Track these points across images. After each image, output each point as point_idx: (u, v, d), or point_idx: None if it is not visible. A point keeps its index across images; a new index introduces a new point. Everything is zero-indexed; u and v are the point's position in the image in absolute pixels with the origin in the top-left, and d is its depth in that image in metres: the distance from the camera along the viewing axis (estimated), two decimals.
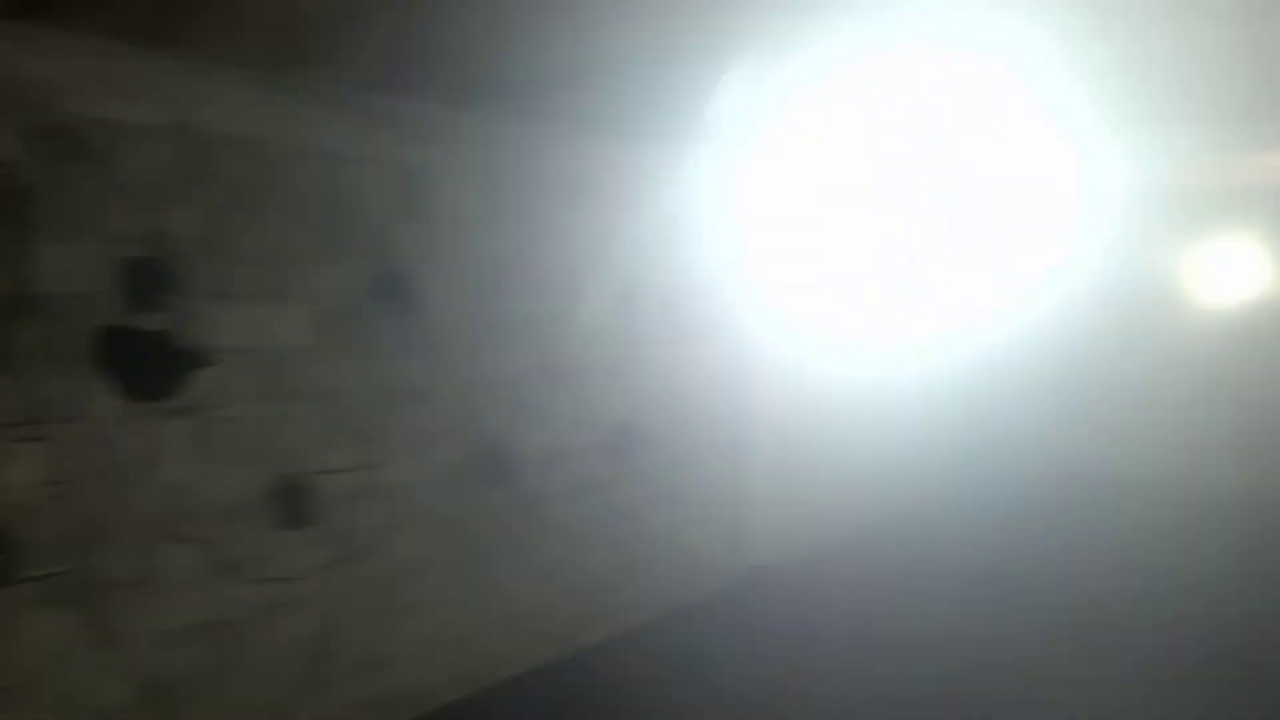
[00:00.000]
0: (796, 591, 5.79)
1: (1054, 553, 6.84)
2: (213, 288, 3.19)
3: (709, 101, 3.55)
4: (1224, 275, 5.31)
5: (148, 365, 3.04)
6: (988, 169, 6.19)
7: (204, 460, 3.20)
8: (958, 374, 8.54)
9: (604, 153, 4.65)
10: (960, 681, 4.53)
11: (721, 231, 5.53)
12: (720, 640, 5.04)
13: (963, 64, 2.96)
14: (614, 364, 4.84)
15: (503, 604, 4.34)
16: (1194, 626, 5.29)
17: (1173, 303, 8.02)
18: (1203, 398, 8.43)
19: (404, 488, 3.88)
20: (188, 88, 3.07)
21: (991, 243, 8.55)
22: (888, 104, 3.29)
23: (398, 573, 3.88)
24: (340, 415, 3.62)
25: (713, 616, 5.34)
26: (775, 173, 5.64)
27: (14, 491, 2.73)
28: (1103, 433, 9.00)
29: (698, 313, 5.37)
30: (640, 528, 5.08)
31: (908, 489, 8.00)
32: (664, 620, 5.21)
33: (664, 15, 2.43)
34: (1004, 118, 4.16)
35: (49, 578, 2.81)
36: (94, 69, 2.83)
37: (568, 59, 2.98)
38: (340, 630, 3.67)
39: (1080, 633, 5.19)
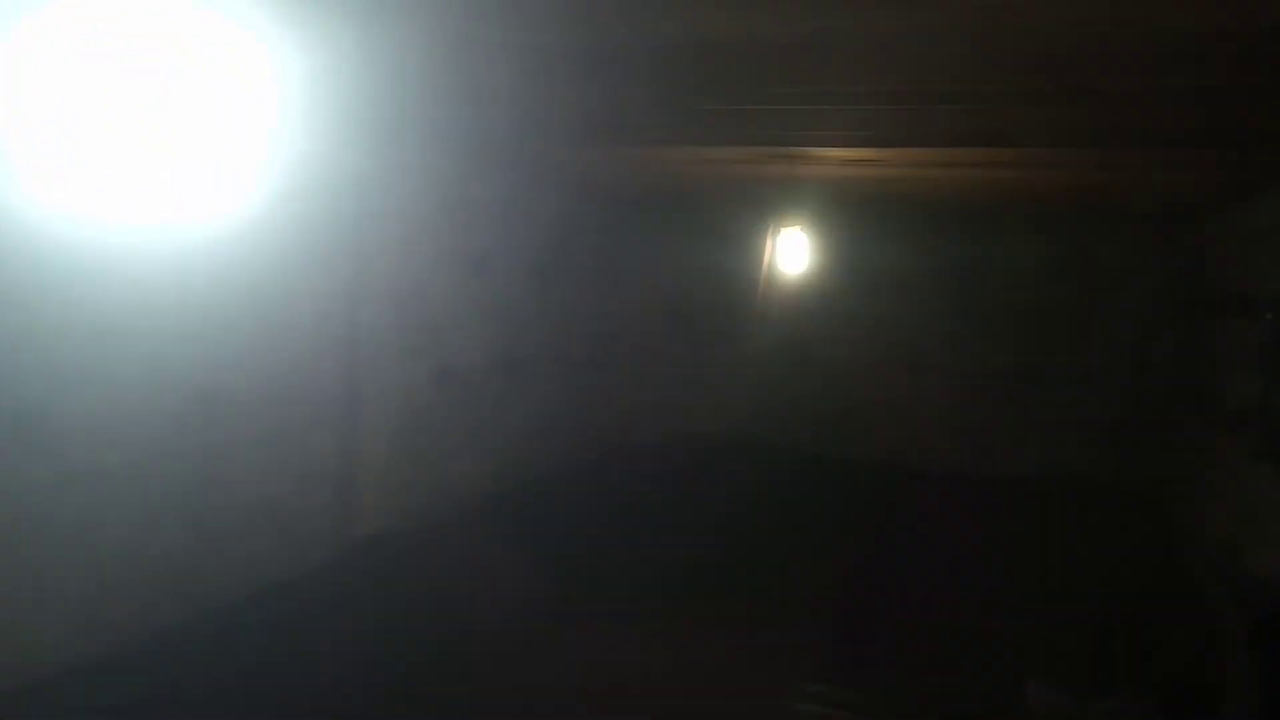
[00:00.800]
0: (402, 562, 5.70)
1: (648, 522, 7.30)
2: None
3: None
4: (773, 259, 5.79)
5: None
6: None
7: None
8: (572, 346, 8.85)
9: None
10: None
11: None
12: (312, 613, 4.84)
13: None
14: (192, 322, 4.43)
15: (49, 592, 3.85)
16: None
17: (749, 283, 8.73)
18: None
19: None
20: None
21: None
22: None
23: None
24: None
25: (309, 590, 5.12)
26: None
27: None
28: (713, 398, 9.74)
29: (293, 275, 5.07)
30: (227, 501, 4.72)
31: (534, 456, 8.19)
32: (255, 596, 4.91)
33: None
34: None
35: None
36: None
37: None
38: None
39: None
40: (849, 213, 8.26)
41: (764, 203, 6.03)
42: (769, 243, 5.65)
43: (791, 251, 5.58)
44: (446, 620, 4.94)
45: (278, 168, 4.89)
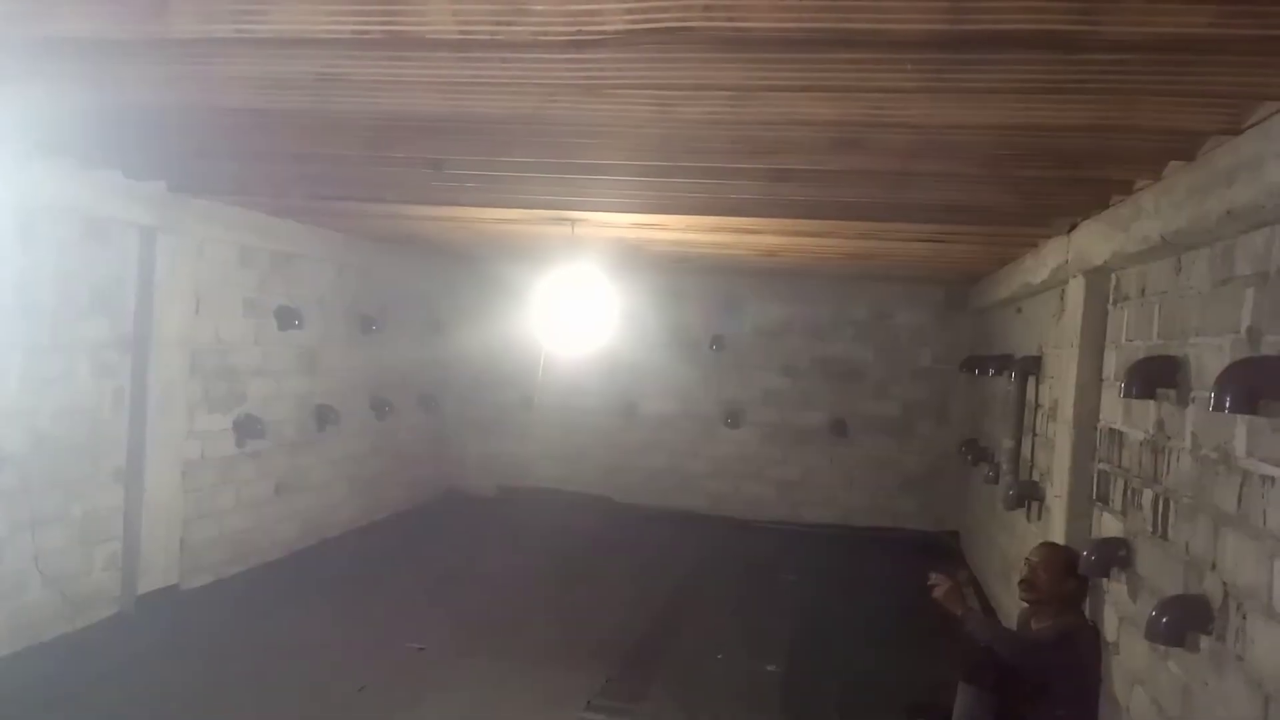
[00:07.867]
0: (185, 617, 5.61)
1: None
2: None
3: None
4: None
5: None
6: None
7: None
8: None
9: None
10: None
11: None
12: (81, 672, 4.73)
13: None
14: None
15: None
16: None
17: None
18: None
19: None
20: None
21: None
22: None
23: None
24: None
25: (85, 647, 4.99)
26: None
27: None
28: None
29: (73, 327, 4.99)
30: None
31: (366, 505, 8.19)
32: (24, 654, 4.74)
33: None
34: None
35: None
36: None
37: None
38: None
39: None
40: (641, 273, 8.60)
41: (551, 259, 6.15)
42: (558, 305, 5.83)
43: (590, 310, 5.76)
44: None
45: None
